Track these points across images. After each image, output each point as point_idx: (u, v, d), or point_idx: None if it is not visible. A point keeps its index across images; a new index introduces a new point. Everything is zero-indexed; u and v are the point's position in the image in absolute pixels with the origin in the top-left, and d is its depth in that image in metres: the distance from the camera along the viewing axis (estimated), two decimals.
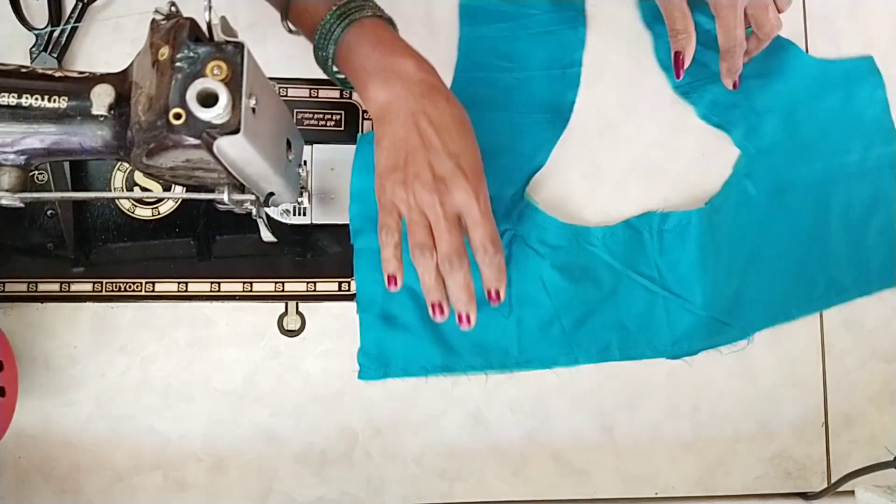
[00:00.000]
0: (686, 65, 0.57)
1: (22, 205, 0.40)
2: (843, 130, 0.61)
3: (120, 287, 0.55)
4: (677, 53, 0.57)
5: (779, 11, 0.56)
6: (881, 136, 0.61)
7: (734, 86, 0.58)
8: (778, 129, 0.60)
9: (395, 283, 0.47)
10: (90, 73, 0.40)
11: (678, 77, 0.57)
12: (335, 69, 0.49)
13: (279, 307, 0.56)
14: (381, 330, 0.54)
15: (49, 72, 0.39)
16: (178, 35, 0.36)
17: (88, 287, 0.54)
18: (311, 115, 0.58)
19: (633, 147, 0.60)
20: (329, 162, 0.57)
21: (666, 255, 0.57)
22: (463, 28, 0.58)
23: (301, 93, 0.58)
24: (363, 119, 0.58)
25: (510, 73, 0.58)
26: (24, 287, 0.54)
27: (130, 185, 0.56)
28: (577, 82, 0.59)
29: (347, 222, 0.56)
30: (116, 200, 0.55)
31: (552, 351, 0.56)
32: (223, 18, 0.36)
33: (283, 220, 0.56)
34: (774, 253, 0.58)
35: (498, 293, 0.47)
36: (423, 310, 0.53)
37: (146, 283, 0.55)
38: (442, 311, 0.47)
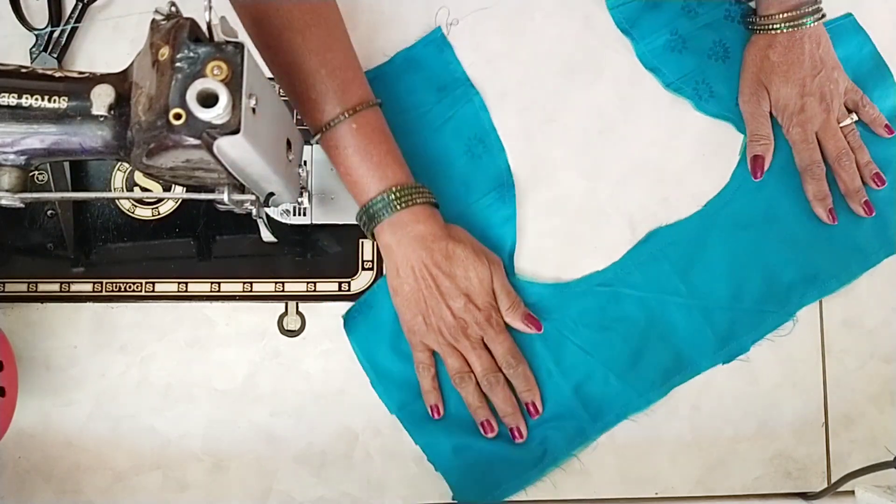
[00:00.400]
0: (766, 168, 0.59)
1: (22, 205, 0.40)
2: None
3: (120, 287, 0.55)
4: (756, 157, 0.59)
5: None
6: (881, 91, 0.61)
7: (829, 218, 0.58)
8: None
9: (439, 412, 0.55)
10: (90, 73, 0.40)
11: (757, 178, 0.59)
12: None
13: (279, 307, 0.56)
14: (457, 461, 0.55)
15: (49, 72, 0.39)
16: (178, 35, 0.36)
17: (88, 287, 0.54)
18: None
19: (633, 147, 0.60)
20: (329, 162, 0.57)
21: (681, 265, 0.57)
22: None
23: None
24: None
25: (440, 175, 0.57)
26: (24, 287, 0.54)
27: (130, 185, 0.56)
28: (501, 146, 0.59)
29: (347, 222, 0.56)
30: (116, 200, 0.55)
31: (620, 402, 0.56)
32: (223, 18, 0.36)
33: (283, 220, 0.56)
34: (793, 229, 0.58)
35: (535, 405, 0.54)
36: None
37: (146, 283, 0.55)
38: (492, 428, 0.54)
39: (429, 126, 0.58)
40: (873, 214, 0.59)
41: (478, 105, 0.59)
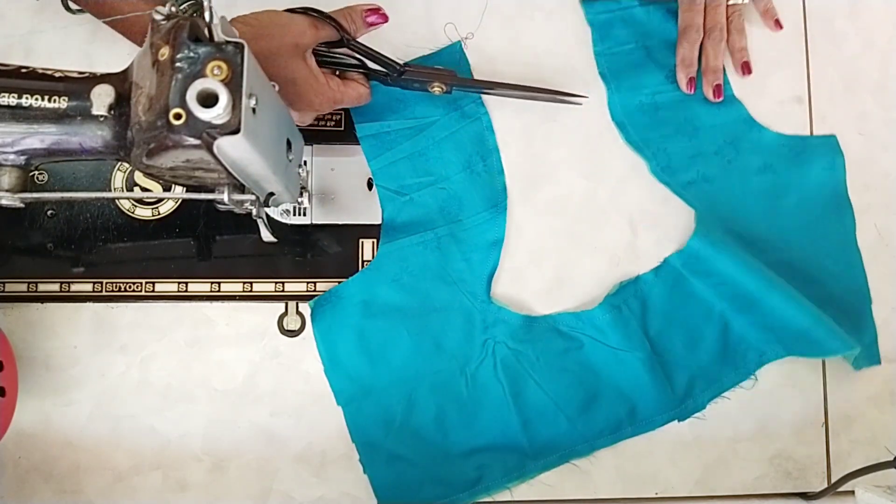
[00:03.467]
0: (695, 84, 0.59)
1: (22, 205, 0.40)
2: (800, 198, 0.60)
3: (120, 287, 0.54)
4: (692, 80, 0.59)
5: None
6: (835, 210, 0.60)
7: (690, 87, 0.59)
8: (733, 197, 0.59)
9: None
10: (90, 73, 0.40)
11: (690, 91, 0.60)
12: None
13: (279, 307, 0.56)
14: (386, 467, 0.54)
15: (49, 72, 0.39)
16: (178, 35, 0.36)
17: (88, 287, 0.54)
18: None
19: (631, 147, 0.60)
20: (329, 162, 0.57)
21: (645, 320, 0.57)
22: (370, 162, 0.57)
23: None
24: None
25: (435, 186, 0.57)
26: (24, 287, 0.54)
27: (130, 185, 0.56)
28: (501, 168, 0.58)
29: (347, 222, 0.56)
30: (116, 200, 0.55)
31: (565, 444, 0.55)
32: (223, 18, 0.36)
33: (283, 220, 0.56)
34: (753, 292, 0.56)
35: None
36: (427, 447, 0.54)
37: (146, 283, 0.55)
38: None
39: (431, 136, 0.58)
40: (720, 99, 0.59)
41: (485, 125, 0.59)
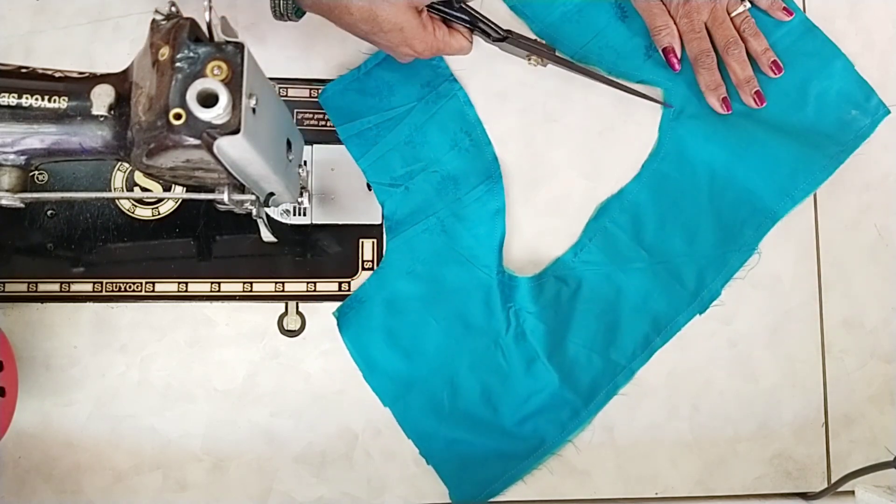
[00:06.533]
0: (679, 55, 0.58)
1: (22, 205, 0.40)
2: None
3: (120, 287, 0.55)
4: (665, 49, 0.58)
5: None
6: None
7: (723, 107, 0.58)
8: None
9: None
10: (90, 73, 0.40)
11: (676, 68, 0.58)
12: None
13: (279, 307, 0.56)
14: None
15: (49, 72, 0.39)
16: (178, 35, 0.36)
17: (88, 287, 0.54)
18: (311, 115, 0.58)
19: (632, 147, 0.60)
20: (329, 162, 0.57)
21: (634, 230, 0.58)
22: (359, 161, 0.57)
23: (301, 93, 0.58)
24: None
25: (427, 171, 0.57)
26: (24, 287, 0.54)
27: (130, 185, 0.56)
28: (487, 139, 0.58)
29: (347, 222, 0.56)
30: (116, 200, 0.55)
31: (607, 379, 0.56)
32: (223, 18, 0.36)
33: (283, 220, 0.56)
34: (731, 168, 0.58)
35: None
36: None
37: (146, 283, 0.55)
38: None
39: (412, 123, 0.58)
40: (764, 105, 0.58)
41: (462, 100, 0.59)
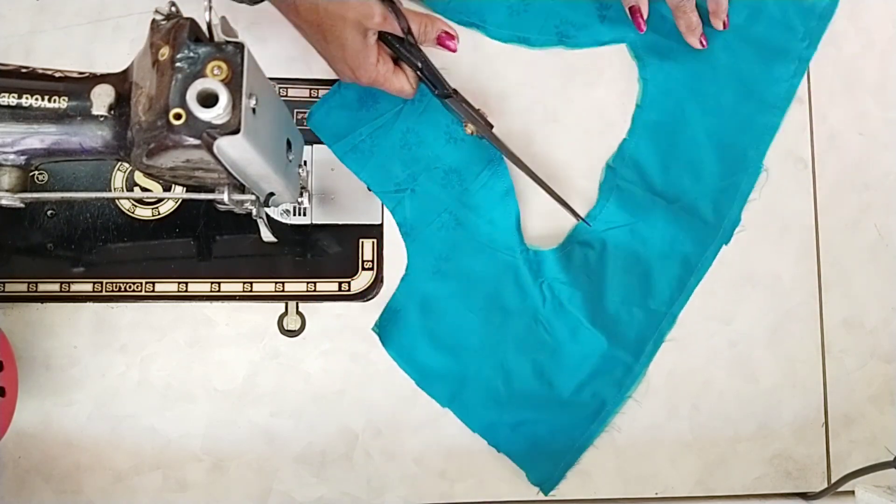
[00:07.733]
0: (645, 16, 0.58)
1: (22, 205, 0.40)
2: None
3: (120, 287, 0.55)
4: (632, 9, 0.59)
5: None
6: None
7: (701, 44, 0.59)
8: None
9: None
10: (90, 73, 0.40)
11: (641, 29, 0.59)
12: None
13: (279, 307, 0.56)
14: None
15: (49, 72, 0.39)
16: (178, 35, 0.36)
17: (88, 287, 0.54)
18: None
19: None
20: (329, 162, 0.57)
21: (644, 180, 0.58)
22: (360, 175, 0.57)
23: (301, 93, 0.58)
24: None
25: (429, 169, 0.57)
26: (24, 287, 0.54)
27: (130, 185, 0.56)
28: None
29: (347, 222, 0.56)
30: (116, 200, 0.55)
31: (652, 330, 0.57)
32: (223, 18, 0.36)
33: (283, 220, 0.56)
34: (718, 98, 0.59)
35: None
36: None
37: (146, 283, 0.55)
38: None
39: (403, 125, 0.57)
40: (727, 27, 0.59)
41: None
